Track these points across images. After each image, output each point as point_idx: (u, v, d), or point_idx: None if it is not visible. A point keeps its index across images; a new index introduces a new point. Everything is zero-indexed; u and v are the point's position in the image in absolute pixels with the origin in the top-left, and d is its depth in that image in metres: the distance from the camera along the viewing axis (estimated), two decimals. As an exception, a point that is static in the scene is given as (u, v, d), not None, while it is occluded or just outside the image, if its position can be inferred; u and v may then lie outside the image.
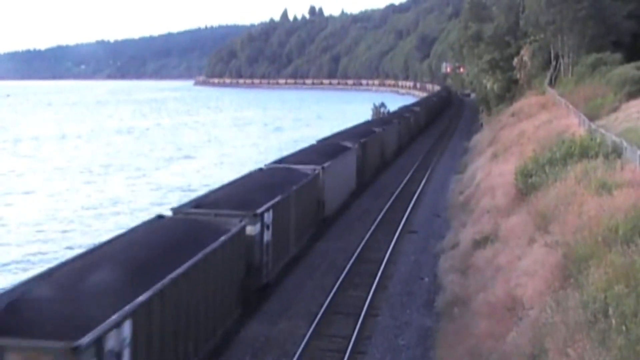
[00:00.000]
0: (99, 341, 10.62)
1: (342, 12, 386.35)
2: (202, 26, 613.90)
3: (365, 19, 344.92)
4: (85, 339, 10.17)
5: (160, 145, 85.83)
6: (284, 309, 20.61)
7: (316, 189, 28.30)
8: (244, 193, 21.91)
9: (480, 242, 23.23)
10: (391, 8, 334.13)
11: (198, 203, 20.60)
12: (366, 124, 56.46)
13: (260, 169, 28.32)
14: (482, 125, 73.25)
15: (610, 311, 11.95)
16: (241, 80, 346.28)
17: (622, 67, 44.69)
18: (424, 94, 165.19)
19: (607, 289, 12.78)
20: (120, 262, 13.87)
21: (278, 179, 24.96)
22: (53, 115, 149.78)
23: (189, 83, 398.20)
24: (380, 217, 32.99)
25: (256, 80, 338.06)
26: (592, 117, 33.64)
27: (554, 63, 63.07)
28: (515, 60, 67.84)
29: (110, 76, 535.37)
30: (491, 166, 37.17)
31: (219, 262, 16.57)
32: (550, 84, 60.10)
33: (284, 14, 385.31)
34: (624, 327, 11.28)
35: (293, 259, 24.58)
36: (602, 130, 27.60)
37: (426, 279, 23.74)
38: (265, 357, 17.36)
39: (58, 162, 69.05)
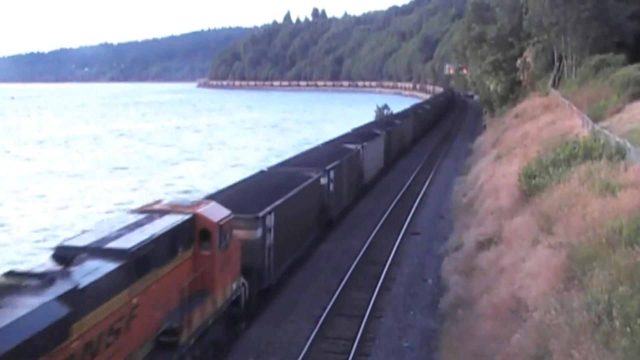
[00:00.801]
0: (263, 218, 20.22)
1: (345, 14, 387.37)
2: (205, 28, 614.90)
3: (368, 20, 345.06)
4: (260, 214, 19.98)
5: (168, 148, 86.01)
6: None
7: (358, 161, 38.13)
8: (315, 158, 32.46)
9: (484, 244, 23.20)
10: (394, 10, 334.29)
11: (283, 164, 31.50)
12: (388, 117, 70.54)
13: (317, 147, 40.23)
14: (485, 126, 73.18)
15: (615, 312, 11.92)
16: (244, 82, 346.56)
17: (626, 68, 44.59)
18: (427, 96, 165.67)
19: (611, 291, 12.75)
20: (259, 188, 23.67)
21: (334, 151, 35.36)
22: (58, 119, 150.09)
23: (192, 85, 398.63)
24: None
25: (259, 82, 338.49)
26: (595, 118, 33.59)
27: (557, 64, 62.98)
28: (519, 61, 67.75)
29: (113, 79, 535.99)
30: (495, 167, 37.13)
31: (307, 196, 25.87)
32: (554, 85, 60.03)
33: (287, 16, 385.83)
34: (628, 329, 11.25)
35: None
36: (606, 132, 27.56)
37: (430, 281, 23.71)
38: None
39: (64, 165, 69.21)
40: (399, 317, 20.32)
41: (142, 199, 49.78)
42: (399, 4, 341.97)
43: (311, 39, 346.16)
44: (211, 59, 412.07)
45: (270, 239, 20.90)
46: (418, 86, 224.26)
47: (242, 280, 18.11)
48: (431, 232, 31.26)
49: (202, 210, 15.99)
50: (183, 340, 14.25)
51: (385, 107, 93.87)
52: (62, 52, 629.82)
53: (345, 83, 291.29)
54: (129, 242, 12.89)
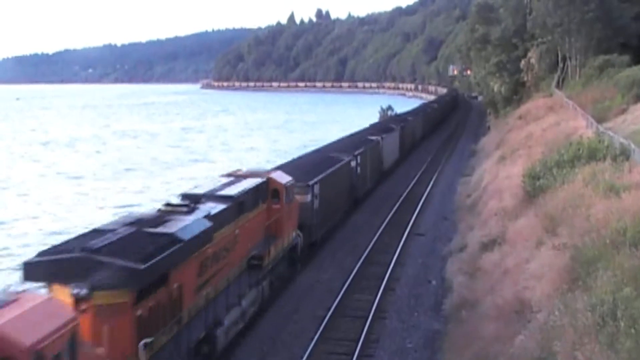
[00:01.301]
0: (312, 186, 26.13)
1: (349, 15, 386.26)
2: (209, 29, 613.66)
3: (372, 21, 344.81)
4: (310, 182, 26.07)
5: (175, 149, 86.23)
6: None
7: (379, 150, 44.43)
8: (343, 146, 38.22)
9: (488, 245, 23.20)
10: (398, 11, 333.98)
11: (318, 150, 38.33)
12: (401, 114, 74.09)
13: (344, 137, 46.13)
14: (489, 127, 73.15)
15: (619, 314, 11.91)
16: (251, 84, 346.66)
17: (630, 69, 44.59)
18: (430, 97, 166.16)
19: (615, 292, 12.74)
20: (306, 165, 29.55)
21: (359, 141, 41.48)
22: (63, 120, 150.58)
23: (196, 86, 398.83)
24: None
25: (265, 84, 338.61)
26: (599, 119, 33.57)
27: (561, 65, 62.96)
28: (523, 62, 67.76)
29: (117, 80, 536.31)
30: (499, 168, 37.13)
31: (341, 174, 32.06)
32: (558, 86, 60.00)
33: (291, 17, 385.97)
34: (632, 330, 11.24)
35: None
36: (610, 133, 27.55)
37: (434, 282, 23.71)
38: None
39: (71, 167, 69.31)
40: (402, 318, 20.30)
41: (152, 199, 50.15)
42: (403, 5, 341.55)
43: (315, 40, 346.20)
44: (215, 60, 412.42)
45: (316, 203, 26.95)
46: (420, 87, 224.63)
47: (299, 232, 24.21)
48: (435, 233, 31.26)
49: (272, 175, 22.06)
50: (264, 264, 19.81)
51: (389, 108, 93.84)
52: (66, 53, 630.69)
53: (345, 84, 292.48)
54: (231, 191, 18.48)
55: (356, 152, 36.40)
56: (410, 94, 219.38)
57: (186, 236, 13.95)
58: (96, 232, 13.45)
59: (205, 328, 15.76)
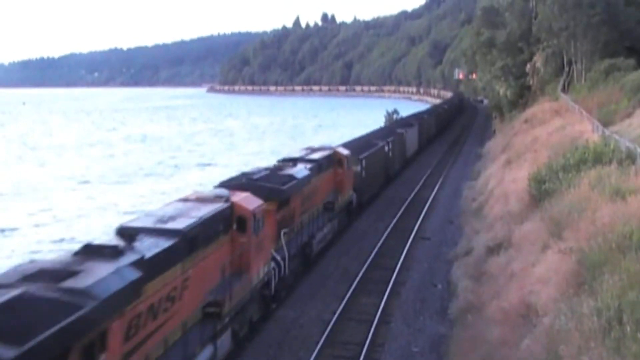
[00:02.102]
0: (362, 160, 35.93)
1: (355, 18, 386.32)
2: (215, 34, 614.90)
3: (377, 25, 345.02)
4: (361, 156, 36.10)
5: (186, 153, 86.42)
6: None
7: (403, 140, 53.22)
8: (379, 135, 49.56)
9: (494, 249, 23.17)
10: (403, 15, 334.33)
11: (360, 138, 48.33)
12: (417, 113, 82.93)
13: (376, 129, 60.93)
14: (495, 131, 73.06)
15: (625, 318, 11.88)
16: (256, 87, 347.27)
17: (636, 72, 44.50)
18: (435, 100, 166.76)
19: (621, 296, 12.72)
20: (355, 146, 37.55)
21: (388, 132, 52.52)
22: (71, 124, 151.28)
23: (202, 90, 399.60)
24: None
25: (271, 88, 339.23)
26: (605, 123, 33.52)
27: (567, 69, 62.85)
28: (528, 66, 67.65)
29: (123, 84, 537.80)
30: (504, 172, 37.09)
31: (379, 155, 40.94)
32: (564, 90, 59.89)
33: (297, 21, 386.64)
34: (639, 334, 11.22)
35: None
36: (616, 136, 27.50)
37: (439, 286, 23.69)
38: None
39: (79, 171, 69.59)
40: (408, 322, 20.30)
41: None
42: (409, 9, 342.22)
43: (320, 44, 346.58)
44: (221, 64, 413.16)
45: (363, 173, 36.03)
46: (422, 90, 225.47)
47: (353, 192, 33.47)
48: (441, 237, 31.25)
49: (339, 149, 31.99)
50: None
51: (395, 112, 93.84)
52: (72, 57, 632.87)
53: (342, 88, 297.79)
54: (316, 155, 28.63)
55: (388, 140, 45.60)
56: (416, 97, 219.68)
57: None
58: None
59: None
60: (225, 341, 16.68)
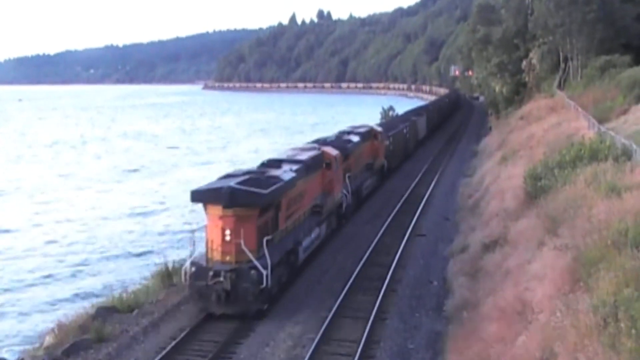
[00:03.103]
0: (390, 136, 47.36)
1: (351, 15, 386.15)
2: (211, 30, 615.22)
3: (373, 22, 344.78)
4: (390, 134, 47.79)
5: (183, 150, 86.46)
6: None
7: (416, 126, 63.58)
8: (398, 121, 63.11)
9: (490, 246, 23.18)
10: (399, 11, 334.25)
11: (384, 123, 59.31)
12: (422, 106, 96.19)
13: (395, 117, 77.58)
14: (490, 128, 73.12)
15: (620, 315, 11.89)
16: (251, 84, 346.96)
17: (632, 69, 44.56)
18: (431, 97, 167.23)
19: (617, 293, 12.73)
20: (384, 126, 49.82)
21: (405, 119, 64.38)
22: (68, 120, 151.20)
23: (198, 87, 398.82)
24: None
25: (265, 84, 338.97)
26: (601, 120, 33.55)
27: (562, 66, 62.93)
28: (524, 63, 67.71)
29: (119, 80, 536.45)
30: (500, 169, 37.11)
31: (400, 135, 52.11)
32: (559, 86, 59.96)
33: (292, 18, 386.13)
34: (634, 331, 11.23)
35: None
36: (612, 133, 27.53)
37: (435, 283, 23.68)
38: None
39: (77, 169, 69.60)
40: (404, 319, 20.29)
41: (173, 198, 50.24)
42: (404, 6, 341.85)
43: (316, 40, 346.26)
44: (216, 61, 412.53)
45: (391, 147, 46.25)
46: (413, 87, 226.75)
47: (384, 161, 43.33)
48: (437, 233, 31.23)
49: (374, 126, 43.07)
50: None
51: (391, 108, 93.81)
52: (68, 54, 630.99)
53: (327, 84, 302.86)
54: (360, 129, 39.76)
55: (406, 124, 57.61)
56: (412, 94, 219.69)
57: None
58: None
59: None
60: (323, 229, 27.85)
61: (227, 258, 19.94)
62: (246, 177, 21.61)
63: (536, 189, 24.47)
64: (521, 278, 17.79)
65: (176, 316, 20.87)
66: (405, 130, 54.89)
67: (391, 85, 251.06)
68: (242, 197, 19.95)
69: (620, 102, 37.99)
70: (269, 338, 18.80)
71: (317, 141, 32.43)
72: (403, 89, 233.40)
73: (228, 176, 22.30)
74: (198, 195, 20.67)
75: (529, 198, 25.04)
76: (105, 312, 21.21)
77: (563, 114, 44.60)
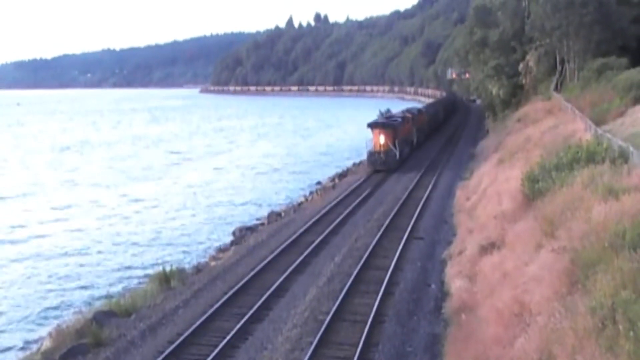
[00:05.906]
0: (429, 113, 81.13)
1: (347, 18, 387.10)
2: (208, 34, 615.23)
3: (370, 25, 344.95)
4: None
5: (186, 154, 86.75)
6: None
7: (438, 115, 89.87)
8: (427, 107, 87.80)
9: (487, 248, 23.17)
10: (396, 14, 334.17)
11: (414, 107, 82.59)
12: (432, 102, 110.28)
13: (424, 106, 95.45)
14: (487, 131, 73.21)
15: (618, 317, 11.90)
16: (249, 88, 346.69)
17: (628, 71, 44.57)
18: (425, 100, 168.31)
19: (614, 295, 12.73)
20: (413, 111, 72.33)
21: (432, 106, 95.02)
22: (68, 124, 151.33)
23: (195, 91, 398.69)
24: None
25: (264, 88, 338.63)
26: (598, 122, 33.56)
27: (559, 68, 63.01)
28: (521, 65, 67.79)
29: (116, 84, 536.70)
30: (497, 172, 37.12)
31: (433, 115, 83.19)
32: (556, 89, 60.02)
33: (290, 21, 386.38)
34: (632, 333, 11.23)
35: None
36: (609, 135, 27.54)
37: (433, 286, 23.69)
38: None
39: (81, 175, 69.36)
40: (402, 322, 20.29)
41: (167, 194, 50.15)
42: (401, 9, 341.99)
43: (313, 44, 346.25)
44: (213, 65, 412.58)
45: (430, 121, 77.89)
46: (396, 89, 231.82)
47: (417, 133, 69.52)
48: (434, 236, 31.25)
49: (421, 108, 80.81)
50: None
51: (388, 111, 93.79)
52: (65, 58, 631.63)
53: (312, 87, 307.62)
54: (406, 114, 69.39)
55: (434, 109, 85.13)
56: (409, 97, 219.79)
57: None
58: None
59: None
60: (410, 146, 61.32)
61: (382, 148, 52.31)
62: (385, 120, 57.56)
63: (533, 191, 24.47)
64: (519, 280, 17.78)
65: (174, 320, 20.87)
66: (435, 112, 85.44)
67: (388, 88, 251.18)
68: (386, 126, 54.19)
69: (617, 104, 38.00)
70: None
71: (404, 110, 68.09)
72: (395, 92, 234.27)
73: (378, 120, 58.33)
74: (370, 125, 54.54)
75: (527, 200, 25.04)
76: (103, 317, 21.22)
77: (560, 117, 44.65)
